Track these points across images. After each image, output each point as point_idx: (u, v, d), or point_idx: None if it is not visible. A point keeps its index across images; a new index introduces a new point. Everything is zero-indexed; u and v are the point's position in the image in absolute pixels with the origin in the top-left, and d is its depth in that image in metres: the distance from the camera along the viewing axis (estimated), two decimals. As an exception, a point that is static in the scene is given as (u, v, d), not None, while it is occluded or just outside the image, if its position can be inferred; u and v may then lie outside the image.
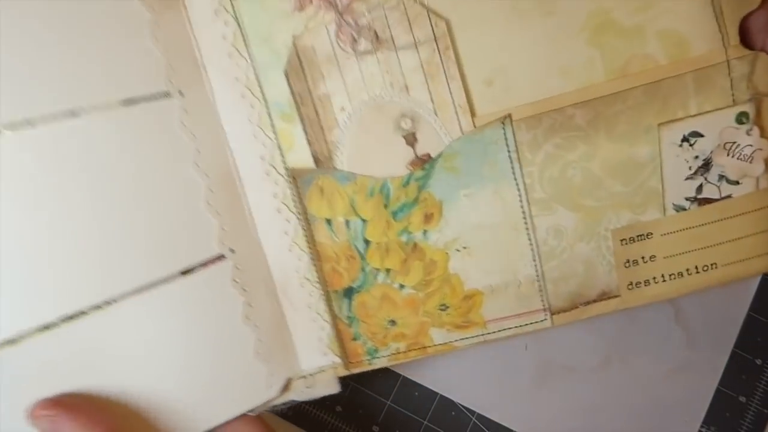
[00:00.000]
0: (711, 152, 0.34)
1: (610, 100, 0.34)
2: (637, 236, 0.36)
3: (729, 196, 0.35)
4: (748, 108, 0.34)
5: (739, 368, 0.42)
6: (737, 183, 0.35)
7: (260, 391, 0.37)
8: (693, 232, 0.36)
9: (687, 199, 0.35)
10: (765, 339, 0.42)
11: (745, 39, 0.33)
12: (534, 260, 0.37)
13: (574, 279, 0.37)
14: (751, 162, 0.34)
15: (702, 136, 0.34)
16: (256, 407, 0.37)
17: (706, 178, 0.35)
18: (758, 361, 0.42)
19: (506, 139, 0.35)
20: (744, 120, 0.34)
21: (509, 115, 0.34)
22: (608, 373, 0.43)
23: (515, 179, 0.35)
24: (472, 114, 0.35)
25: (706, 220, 0.36)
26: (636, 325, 0.43)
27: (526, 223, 0.36)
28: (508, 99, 0.35)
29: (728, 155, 0.34)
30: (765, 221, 0.36)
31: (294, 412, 0.42)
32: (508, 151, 0.35)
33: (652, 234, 0.36)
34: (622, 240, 0.36)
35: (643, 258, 0.37)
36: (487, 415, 0.42)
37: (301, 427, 0.42)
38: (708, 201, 0.35)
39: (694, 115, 0.34)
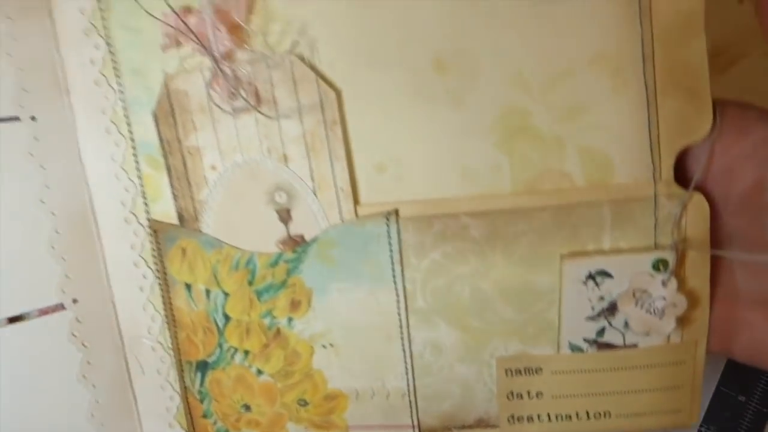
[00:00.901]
0: (617, 296, 0.29)
1: (511, 217, 0.29)
2: (525, 369, 0.32)
3: (634, 345, 0.31)
4: (668, 255, 0.29)
5: (739, 368, 0.40)
6: (646, 334, 0.30)
7: (82, 461, 0.34)
8: (588, 376, 0.31)
9: (585, 340, 0.31)
10: None
11: (680, 175, 0.28)
12: (406, 374, 0.32)
13: (449, 400, 0.33)
14: (661, 318, 0.29)
15: (610, 276, 0.29)
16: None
17: (609, 322, 0.30)
18: None
19: (390, 237, 0.30)
20: (661, 268, 0.29)
21: (396, 211, 0.30)
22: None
23: (395, 283, 0.31)
24: (356, 201, 0.30)
25: (604, 366, 0.31)
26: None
27: (401, 332, 0.31)
28: (398, 191, 0.30)
29: (636, 305, 0.29)
30: (671, 378, 0.31)
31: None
32: (390, 251, 0.30)
33: (541, 369, 0.32)
34: (507, 370, 0.32)
35: (528, 393, 0.32)
36: None
37: None
38: (609, 346, 0.31)
39: (606, 252, 0.29)
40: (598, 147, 0.28)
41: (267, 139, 0.30)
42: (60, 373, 0.33)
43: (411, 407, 0.33)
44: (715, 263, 0.29)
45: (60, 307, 0.33)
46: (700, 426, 0.41)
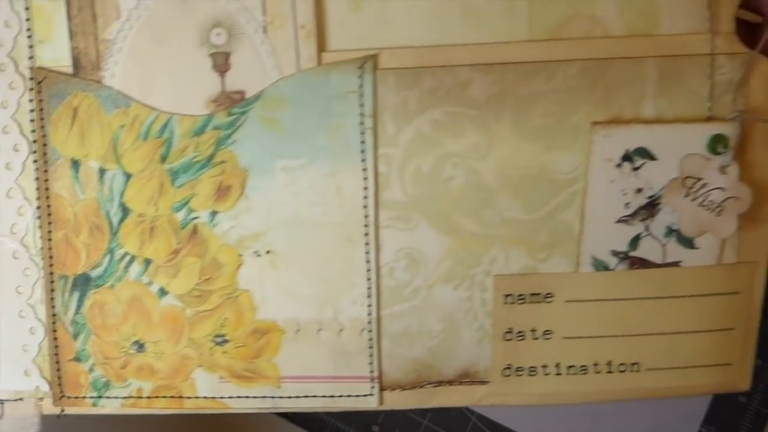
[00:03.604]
0: (662, 188, 0.22)
1: (528, 72, 0.22)
2: (531, 295, 0.23)
3: (676, 264, 0.23)
4: (729, 131, 0.21)
5: None
6: (692, 246, 0.23)
7: None
8: (613, 308, 0.23)
9: (614, 253, 0.23)
10: (765, 339, 0.35)
11: (745, 30, 0.22)
12: (368, 296, 0.23)
13: (425, 341, 0.24)
14: (719, 214, 0.21)
15: (653, 158, 0.22)
16: None
17: (647, 227, 0.22)
18: (758, 361, 0.35)
19: (362, 94, 0.22)
20: (720, 149, 0.21)
21: (374, 58, 0.22)
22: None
23: (363, 162, 0.22)
24: (321, 46, 0.22)
25: (636, 292, 0.23)
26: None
27: (366, 234, 0.23)
28: (379, 36, 0.22)
29: (687, 196, 0.21)
30: (722, 314, 0.23)
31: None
32: (362, 115, 0.22)
33: (552, 295, 0.23)
34: (507, 296, 0.23)
35: (533, 331, 0.24)
36: (487, 415, 0.39)
37: (302, 426, 0.38)
38: (644, 263, 0.23)
39: (648, 122, 0.22)
40: (640, -13, 0.22)
41: (206, -46, 0.22)
42: None
43: (371, 348, 0.24)
44: None
45: None
46: (700, 426, 0.38)
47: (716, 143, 0.22)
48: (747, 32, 0.22)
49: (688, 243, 0.23)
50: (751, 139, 0.22)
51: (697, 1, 0.22)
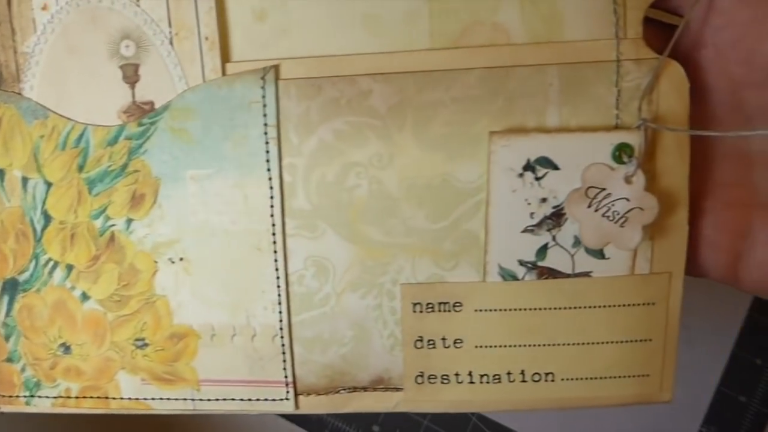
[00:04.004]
0: (566, 198, 0.21)
1: (428, 81, 0.22)
2: (440, 304, 0.23)
3: (586, 274, 0.22)
4: (634, 140, 0.21)
5: (739, 368, 0.40)
6: (602, 256, 0.22)
7: None
8: (524, 318, 0.23)
9: (521, 263, 0.22)
10: (765, 339, 0.42)
11: (653, 34, 0.21)
12: (279, 303, 0.23)
13: (336, 347, 0.24)
14: (623, 225, 0.21)
15: (556, 168, 0.21)
16: None
17: (554, 237, 0.22)
18: (758, 361, 0.42)
19: (265, 104, 0.22)
20: (625, 158, 0.21)
21: (276, 68, 0.22)
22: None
23: (269, 172, 0.23)
24: (225, 57, 0.22)
25: (546, 302, 0.23)
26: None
27: (274, 242, 0.23)
28: (283, 45, 0.22)
29: (590, 207, 0.21)
30: (637, 325, 0.23)
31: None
32: (265, 125, 0.22)
33: (461, 305, 0.23)
34: (415, 305, 0.23)
35: (444, 340, 0.23)
36: (487, 415, 0.42)
37: (302, 426, 0.40)
38: (553, 273, 0.22)
39: (551, 131, 0.21)
40: (544, -9, 0.21)
41: (114, -33, 0.23)
42: None
43: (284, 354, 0.24)
44: (724, 156, 0.21)
45: None
46: (700, 426, 0.40)
47: (621, 152, 0.21)
48: (669, 34, 0.21)
49: (597, 253, 0.22)
50: (660, 148, 0.22)
51: (602, 7, 0.21)
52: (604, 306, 0.23)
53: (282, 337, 0.24)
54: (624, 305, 0.23)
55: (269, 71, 0.22)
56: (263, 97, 0.22)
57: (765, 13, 0.21)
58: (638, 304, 0.23)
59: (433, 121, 0.22)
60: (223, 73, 0.23)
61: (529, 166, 0.22)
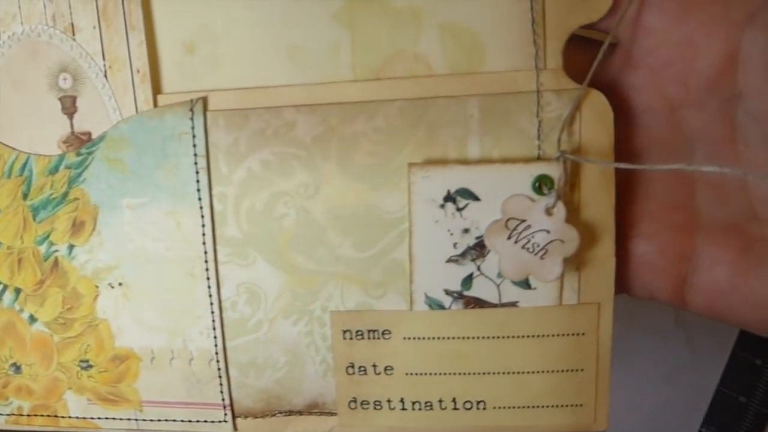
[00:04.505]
0: (486, 229, 0.21)
1: (350, 112, 0.22)
2: (369, 331, 0.23)
3: (512, 304, 0.22)
4: (554, 171, 0.21)
5: (739, 368, 0.41)
6: (528, 286, 0.22)
7: None
8: (453, 346, 0.23)
9: (447, 292, 0.22)
10: (765, 339, 0.41)
11: (572, 64, 0.21)
12: (213, 328, 0.24)
13: (271, 372, 0.24)
14: (542, 257, 0.21)
15: (477, 198, 0.21)
16: None
17: (479, 267, 0.22)
18: (758, 361, 0.42)
19: (195, 135, 0.23)
20: (546, 190, 0.21)
21: (204, 100, 0.22)
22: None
23: (200, 201, 0.23)
24: (156, 89, 0.23)
25: (474, 331, 0.23)
26: (636, 325, 0.41)
27: (207, 269, 0.23)
28: (212, 77, 0.23)
29: (509, 239, 0.21)
30: (566, 356, 0.23)
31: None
32: (195, 155, 0.23)
33: (390, 332, 0.23)
34: (345, 332, 0.23)
35: (375, 367, 0.24)
36: None
37: None
38: (480, 303, 0.22)
39: (471, 162, 0.21)
40: (463, 22, 0.21)
41: (52, 2, 0.23)
42: None
43: (221, 378, 0.24)
44: (666, 177, 0.21)
45: None
46: (701, 426, 0.40)
47: (541, 184, 0.21)
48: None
49: (523, 284, 0.22)
50: (584, 178, 0.21)
51: (523, 38, 0.21)
52: (533, 336, 0.23)
53: (218, 361, 0.24)
54: (553, 335, 0.23)
55: (197, 103, 0.23)
56: (192, 128, 0.23)
57: (697, 33, 0.20)
58: (567, 335, 0.23)
59: (356, 152, 0.22)
60: (155, 105, 0.23)
61: (450, 197, 0.22)
